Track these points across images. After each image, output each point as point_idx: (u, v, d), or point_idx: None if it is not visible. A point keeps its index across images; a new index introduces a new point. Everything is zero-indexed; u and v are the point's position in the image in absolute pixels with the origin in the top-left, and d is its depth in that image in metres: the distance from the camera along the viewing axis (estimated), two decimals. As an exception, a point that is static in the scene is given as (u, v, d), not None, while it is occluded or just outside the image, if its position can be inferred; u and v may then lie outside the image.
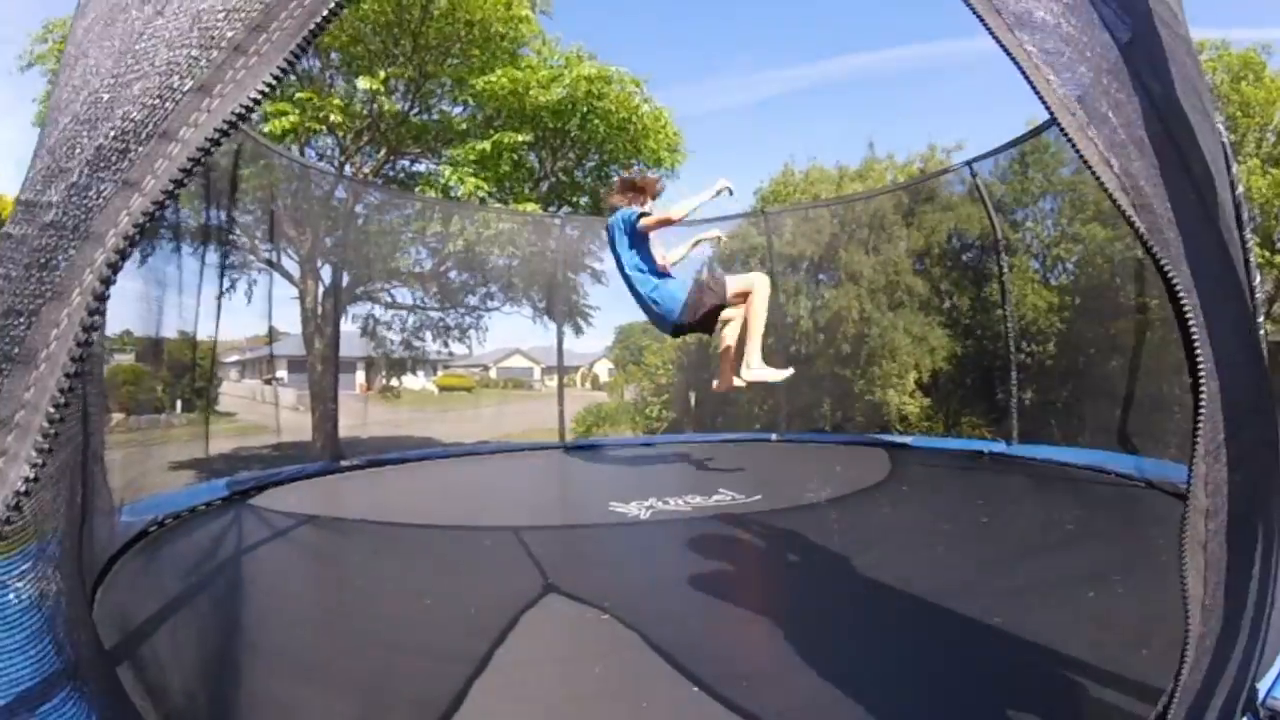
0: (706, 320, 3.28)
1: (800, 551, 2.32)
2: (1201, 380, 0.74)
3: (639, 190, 3.49)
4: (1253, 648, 0.90)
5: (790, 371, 3.21)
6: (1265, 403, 0.92)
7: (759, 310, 3.23)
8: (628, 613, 1.69)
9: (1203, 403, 0.74)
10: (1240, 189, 1.70)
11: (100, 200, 0.52)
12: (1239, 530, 0.91)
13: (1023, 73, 0.75)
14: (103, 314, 0.52)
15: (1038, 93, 0.76)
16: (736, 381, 3.44)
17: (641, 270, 3.33)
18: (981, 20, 0.75)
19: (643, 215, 3.31)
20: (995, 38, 0.75)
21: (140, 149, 0.53)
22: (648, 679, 1.38)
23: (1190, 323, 0.74)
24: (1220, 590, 0.79)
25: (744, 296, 3.26)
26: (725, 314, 3.41)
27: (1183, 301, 0.75)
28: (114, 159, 0.53)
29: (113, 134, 0.54)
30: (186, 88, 0.54)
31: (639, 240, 3.33)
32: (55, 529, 1.01)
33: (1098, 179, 0.75)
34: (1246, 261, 1.86)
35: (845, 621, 1.70)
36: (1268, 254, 10.14)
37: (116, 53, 0.61)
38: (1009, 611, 1.64)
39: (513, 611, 1.71)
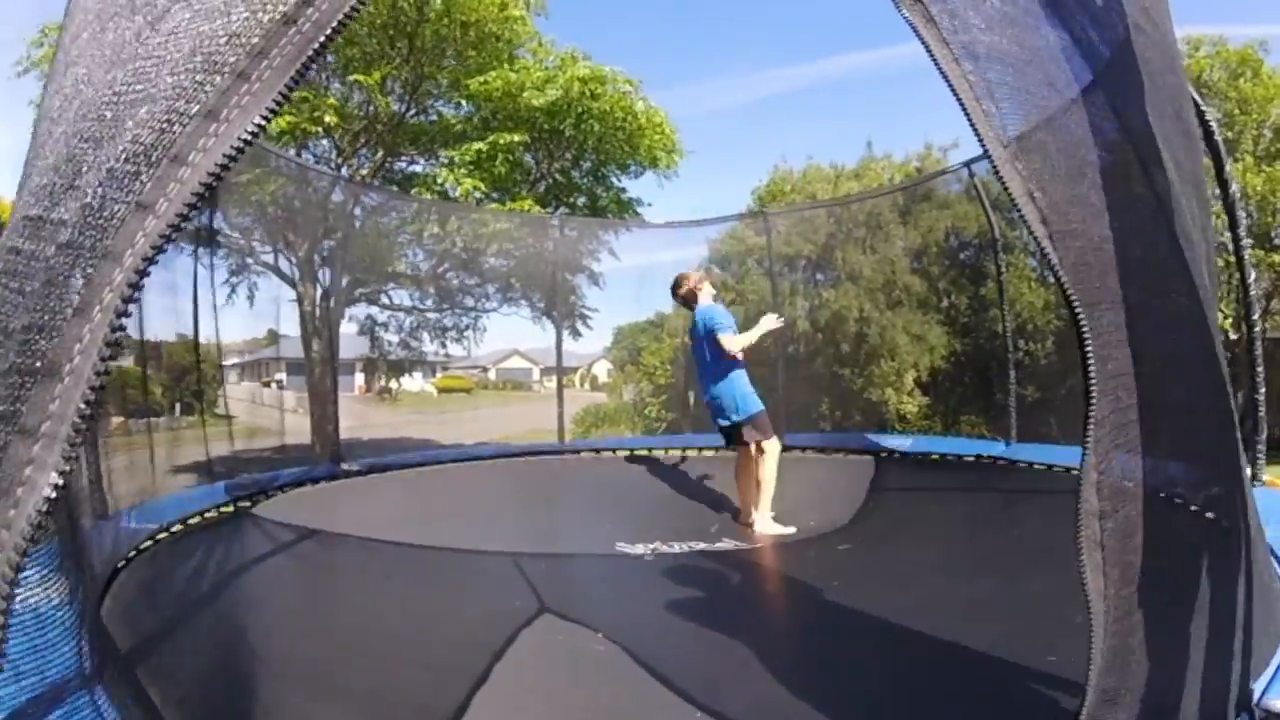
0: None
1: (802, 582, 2.33)
2: (1092, 395, 0.78)
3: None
4: (1228, 644, 0.91)
5: (793, 530, 3.29)
6: (1225, 401, 0.93)
7: (770, 471, 3.45)
8: (628, 640, 1.69)
9: (1091, 413, 0.78)
10: (1235, 187, 1.71)
11: (115, 221, 0.53)
12: (1194, 527, 0.93)
13: (961, 105, 0.78)
14: (125, 329, 0.53)
15: (972, 125, 0.79)
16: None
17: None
18: (928, 50, 0.77)
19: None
20: (940, 69, 0.78)
21: (152, 171, 0.54)
22: (649, 702, 1.38)
23: (1086, 339, 0.79)
24: (1133, 584, 0.82)
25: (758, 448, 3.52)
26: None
27: (1080, 319, 0.79)
28: (126, 181, 0.54)
29: (123, 156, 0.55)
30: (193, 112, 0.56)
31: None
32: (62, 533, 1.02)
33: (1018, 211, 0.79)
34: (1240, 259, 1.87)
35: (843, 649, 1.72)
36: (1263, 252, 10.16)
37: (108, 63, 0.62)
38: (1007, 617, 1.65)
39: (511, 632, 1.72)
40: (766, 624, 2.00)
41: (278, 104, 0.58)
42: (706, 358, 3.67)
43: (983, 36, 0.79)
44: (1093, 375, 0.78)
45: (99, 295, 0.52)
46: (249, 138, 0.56)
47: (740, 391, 3.58)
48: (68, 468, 0.51)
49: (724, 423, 3.60)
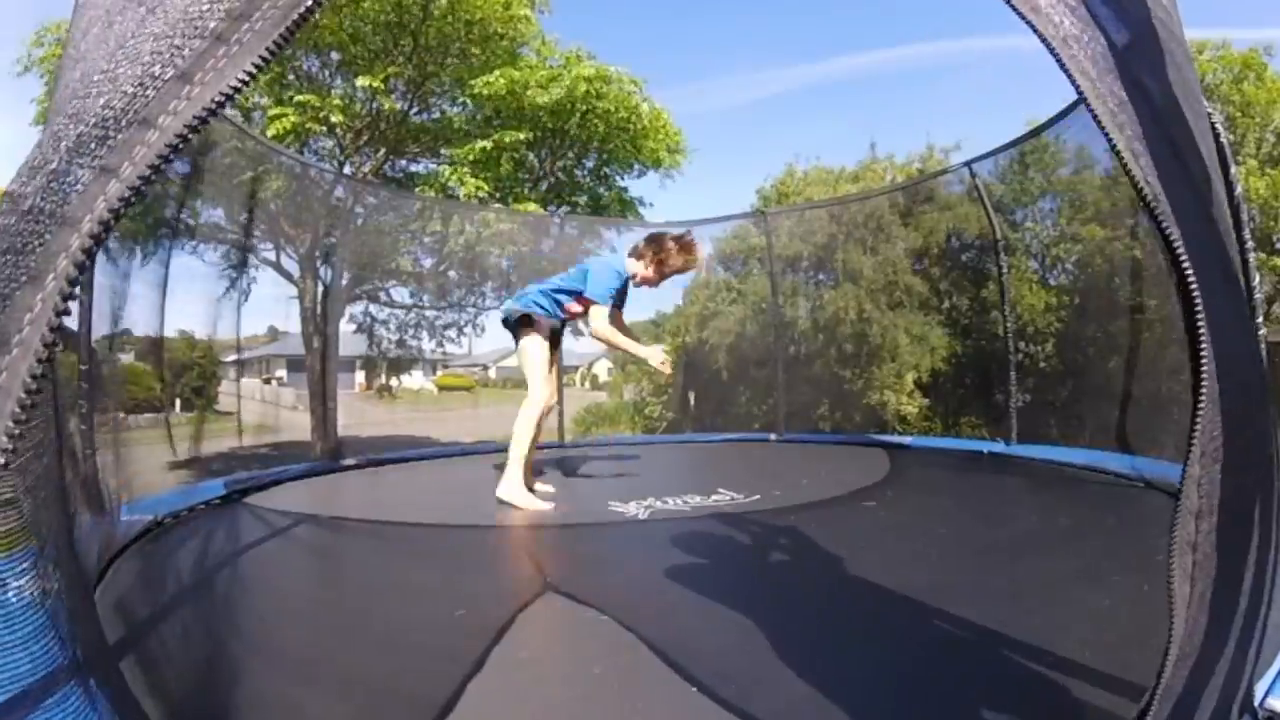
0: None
1: (798, 551, 2.32)
2: (1204, 381, 0.74)
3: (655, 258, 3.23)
4: (1247, 648, 0.90)
5: (548, 508, 2.93)
6: (1265, 402, 0.92)
7: (524, 424, 3.10)
8: (625, 613, 1.69)
9: (1202, 403, 0.74)
10: (1239, 190, 1.70)
11: (79, 186, 0.53)
12: (1234, 530, 0.91)
13: (1047, 46, 0.74)
14: (75, 299, 0.53)
15: (1064, 68, 0.74)
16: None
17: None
18: (1014, 7, 0.74)
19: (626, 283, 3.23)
20: (1029, 23, 0.74)
21: (119, 136, 0.54)
22: (646, 679, 1.37)
23: (1199, 319, 0.74)
24: (1208, 592, 0.80)
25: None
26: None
27: (1194, 292, 0.74)
28: (93, 146, 0.54)
29: (94, 121, 0.54)
30: (167, 76, 0.55)
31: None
32: (51, 526, 1.02)
33: (1126, 170, 0.74)
34: (1245, 263, 1.86)
35: (844, 622, 1.70)
36: (1266, 255, 10.15)
37: (110, 53, 0.62)
38: (1007, 610, 1.64)
39: (511, 610, 1.71)
40: (769, 589, 1.98)
41: (257, 67, 0.57)
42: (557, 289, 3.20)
43: (1041, 3, 0.76)
44: (1204, 358, 0.74)
45: (54, 262, 0.52)
46: (223, 100, 0.56)
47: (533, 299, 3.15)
48: (10, 445, 0.51)
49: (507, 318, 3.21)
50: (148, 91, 0.54)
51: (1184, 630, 0.76)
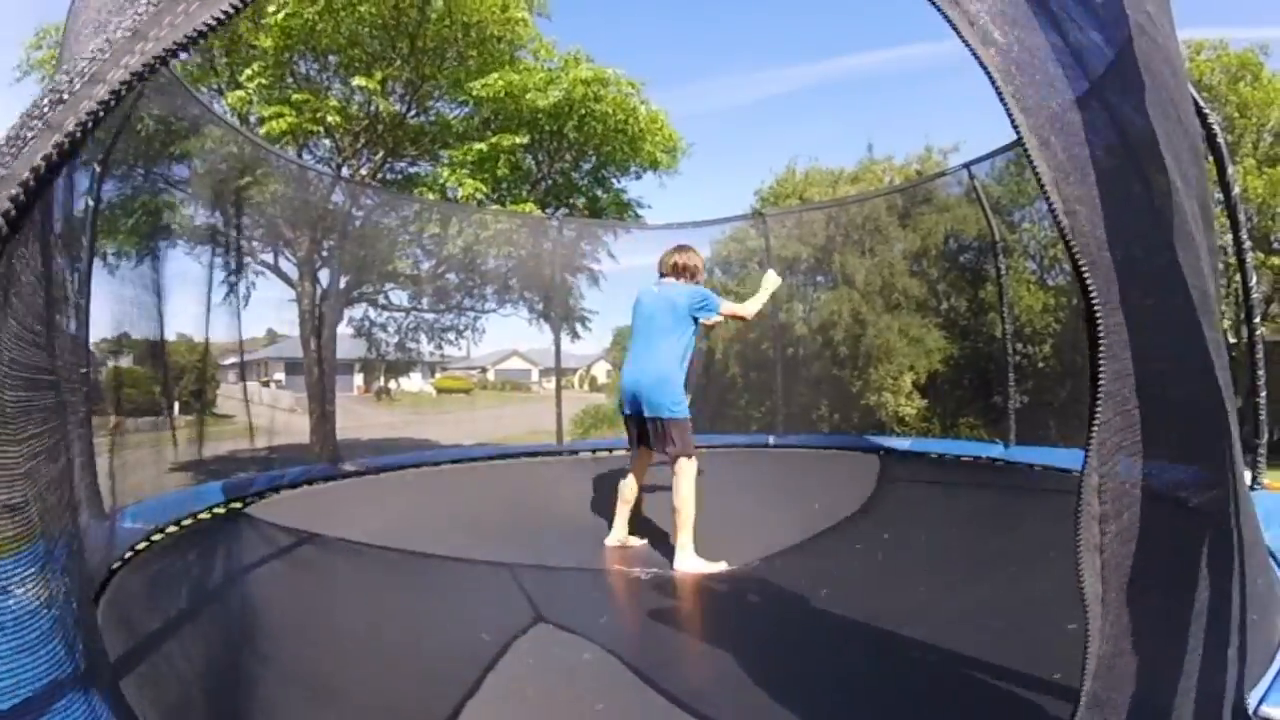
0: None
1: (800, 592, 2.29)
2: (1099, 397, 0.76)
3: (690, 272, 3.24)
4: (1223, 650, 0.90)
5: (723, 566, 2.68)
6: (1220, 406, 0.93)
7: (689, 494, 2.81)
8: (620, 651, 1.67)
9: (1098, 415, 0.76)
10: (1236, 190, 1.69)
11: (25, 146, 0.53)
12: (1185, 529, 0.92)
13: (993, 83, 0.76)
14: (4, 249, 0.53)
15: (1006, 107, 0.76)
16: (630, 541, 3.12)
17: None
18: (957, 31, 0.76)
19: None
20: (970, 48, 0.76)
21: (72, 96, 0.55)
22: (644, 716, 1.36)
23: (1101, 339, 0.76)
24: (1124, 593, 0.80)
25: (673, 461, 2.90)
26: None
27: (1098, 316, 0.76)
28: (47, 108, 0.55)
29: (53, 87, 0.55)
30: (124, 38, 0.56)
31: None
32: (60, 532, 1.01)
33: (1046, 198, 0.77)
34: (1242, 262, 1.86)
35: (841, 658, 1.70)
36: (1264, 255, 10.18)
37: (90, 37, 0.62)
38: (1008, 627, 1.64)
39: (508, 639, 1.70)
40: (761, 629, 1.98)
41: (217, 21, 0.58)
42: (658, 337, 3.02)
43: (993, 29, 0.78)
44: (1101, 377, 0.76)
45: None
46: (174, 49, 0.56)
47: (679, 386, 2.98)
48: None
49: (648, 414, 2.94)
50: (105, 54, 0.55)
51: (1101, 627, 0.77)
